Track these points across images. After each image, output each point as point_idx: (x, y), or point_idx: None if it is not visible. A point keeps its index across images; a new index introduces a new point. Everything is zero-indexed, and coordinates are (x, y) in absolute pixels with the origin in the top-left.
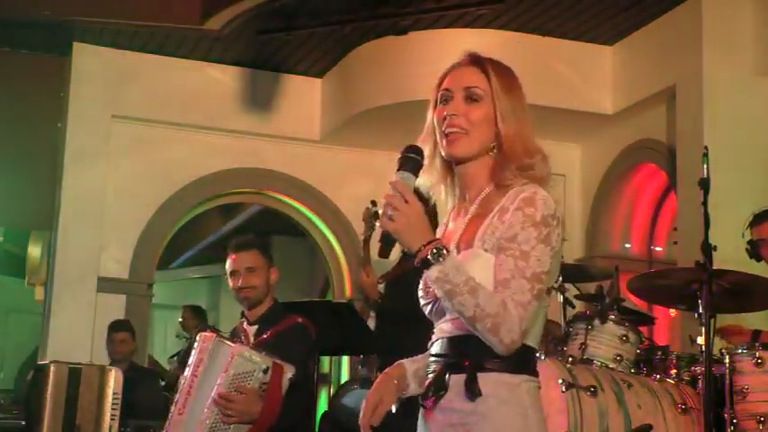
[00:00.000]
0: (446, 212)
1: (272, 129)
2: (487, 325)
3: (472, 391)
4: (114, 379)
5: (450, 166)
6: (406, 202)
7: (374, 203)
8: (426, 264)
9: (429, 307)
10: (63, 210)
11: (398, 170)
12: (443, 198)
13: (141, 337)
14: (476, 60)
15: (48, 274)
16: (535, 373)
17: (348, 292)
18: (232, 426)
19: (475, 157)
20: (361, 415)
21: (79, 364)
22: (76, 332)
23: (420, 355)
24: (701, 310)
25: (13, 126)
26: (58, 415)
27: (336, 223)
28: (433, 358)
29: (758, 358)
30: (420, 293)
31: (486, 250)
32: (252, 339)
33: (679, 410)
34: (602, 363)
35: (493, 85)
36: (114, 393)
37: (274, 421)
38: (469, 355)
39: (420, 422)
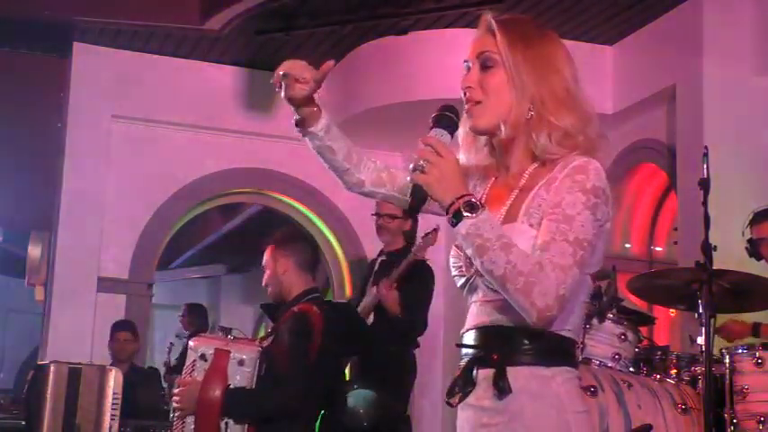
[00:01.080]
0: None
1: (272, 129)
2: (518, 284)
3: (501, 389)
4: (114, 379)
5: (490, 138)
6: (440, 156)
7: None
8: (458, 217)
9: (461, 281)
10: (63, 210)
11: (432, 128)
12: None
13: (141, 337)
14: (489, 24)
15: (48, 274)
16: (574, 364)
17: (348, 292)
18: (188, 418)
19: (501, 126)
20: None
21: (79, 364)
22: (76, 332)
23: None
24: (701, 310)
25: (13, 126)
26: (58, 415)
27: (336, 223)
28: (462, 350)
29: (758, 358)
30: (452, 262)
31: (531, 225)
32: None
33: (679, 410)
34: (600, 361)
35: (500, 45)
36: (114, 393)
37: (218, 407)
38: (499, 347)
39: (459, 419)
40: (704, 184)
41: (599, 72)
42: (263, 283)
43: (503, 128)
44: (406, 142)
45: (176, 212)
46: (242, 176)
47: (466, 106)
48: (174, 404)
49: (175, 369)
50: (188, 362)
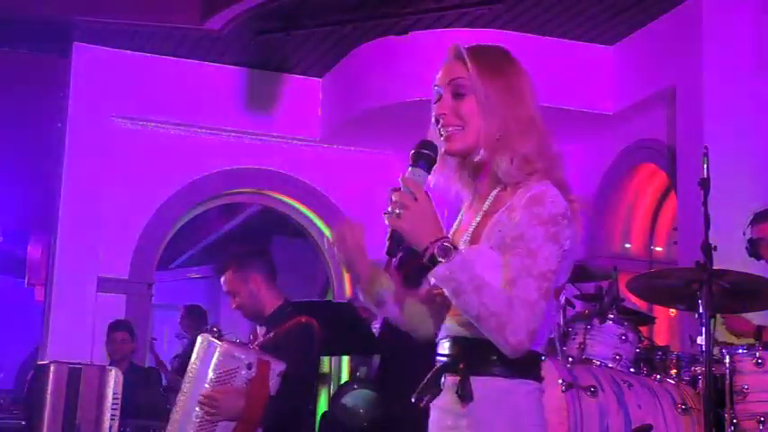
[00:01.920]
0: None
1: (272, 129)
2: (492, 324)
3: (463, 395)
4: (114, 379)
5: (464, 162)
6: (416, 199)
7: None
8: (433, 261)
9: (439, 298)
10: (63, 210)
11: (411, 166)
12: (459, 195)
13: (141, 337)
14: (458, 51)
15: (48, 274)
16: (537, 378)
17: (348, 291)
18: (219, 424)
19: (475, 149)
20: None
21: (79, 363)
22: (76, 332)
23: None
24: (701, 310)
25: (13, 126)
26: (58, 415)
27: (336, 223)
28: (437, 357)
29: (758, 358)
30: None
31: (491, 248)
32: (261, 340)
33: (679, 410)
34: (601, 362)
35: (471, 73)
36: (114, 393)
37: (260, 417)
38: (466, 357)
39: (430, 420)
40: (704, 184)
41: (599, 72)
42: (235, 307)
43: (475, 152)
44: (406, 142)
45: (176, 212)
46: (242, 176)
47: (442, 132)
48: (210, 407)
49: (178, 369)
50: (225, 368)
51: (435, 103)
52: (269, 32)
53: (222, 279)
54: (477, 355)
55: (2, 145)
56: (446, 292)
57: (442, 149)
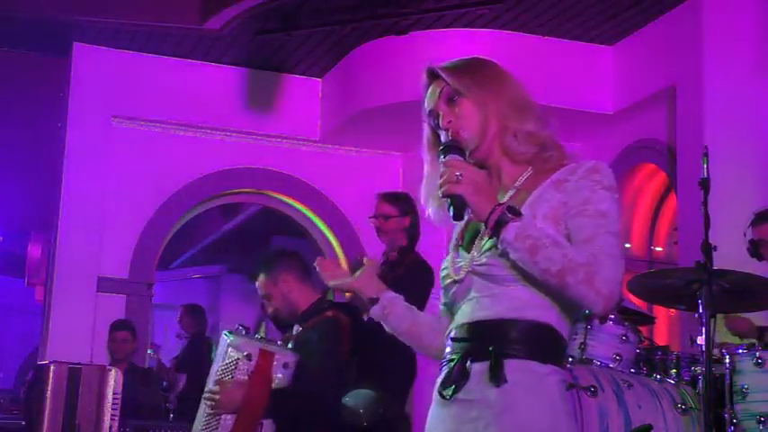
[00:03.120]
0: None
1: (272, 129)
2: (580, 275)
3: (497, 378)
4: (114, 379)
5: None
6: (470, 170)
7: (360, 261)
8: (501, 223)
9: (454, 287)
10: (63, 210)
11: (447, 155)
12: None
13: (141, 337)
14: (430, 70)
15: (48, 274)
16: (564, 367)
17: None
18: (223, 416)
19: (483, 140)
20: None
21: (79, 363)
22: (76, 332)
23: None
24: (701, 310)
25: (14, 126)
26: (58, 415)
27: (336, 223)
28: (451, 344)
29: (758, 358)
30: (442, 274)
31: (534, 216)
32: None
33: (679, 410)
34: (601, 362)
35: (449, 80)
36: (114, 393)
37: (262, 409)
38: (493, 339)
39: (434, 415)
40: (704, 184)
41: (599, 72)
42: (270, 312)
43: (482, 143)
44: (406, 142)
45: (176, 212)
46: (242, 176)
47: (450, 136)
48: (210, 402)
49: (179, 368)
50: (227, 360)
51: (434, 127)
52: (269, 32)
53: (257, 285)
54: (506, 337)
55: (2, 145)
56: (517, 255)
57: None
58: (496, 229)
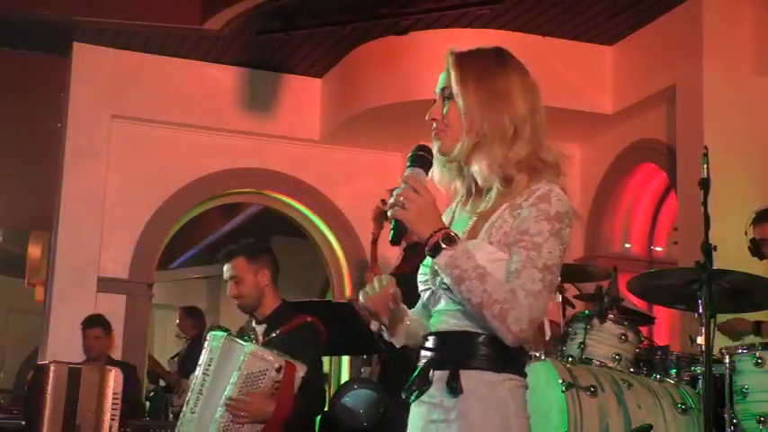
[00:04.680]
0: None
1: (272, 129)
2: (495, 311)
3: (452, 388)
4: (114, 379)
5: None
6: (417, 193)
7: (384, 202)
8: (437, 249)
9: (427, 294)
10: (63, 210)
11: (409, 167)
12: (460, 193)
13: (141, 336)
14: (447, 58)
15: (48, 274)
16: (522, 373)
17: (348, 291)
18: (245, 425)
19: (461, 152)
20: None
21: (79, 364)
22: (76, 332)
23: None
24: (701, 310)
25: (13, 126)
26: (58, 415)
27: (336, 223)
28: (422, 352)
29: (758, 358)
30: (420, 278)
31: (490, 243)
32: (261, 338)
33: (679, 410)
34: (601, 362)
35: (453, 78)
36: (114, 393)
37: (287, 419)
38: (454, 351)
39: (412, 412)
40: (704, 184)
41: (599, 72)
42: (235, 294)
43: (459, 153)
44: (406, 142)
45: (176, 212)
46: (242, 176)
47: (432, 133)
48: (237, 411)
49: (180, 370)
50: (253, 370)
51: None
52: (269, 32)
53: (230, 264)
54: (465, 349)
55: (2, 145)
56: (447, 281)
57: (435, 149)
58: (432, 255)
